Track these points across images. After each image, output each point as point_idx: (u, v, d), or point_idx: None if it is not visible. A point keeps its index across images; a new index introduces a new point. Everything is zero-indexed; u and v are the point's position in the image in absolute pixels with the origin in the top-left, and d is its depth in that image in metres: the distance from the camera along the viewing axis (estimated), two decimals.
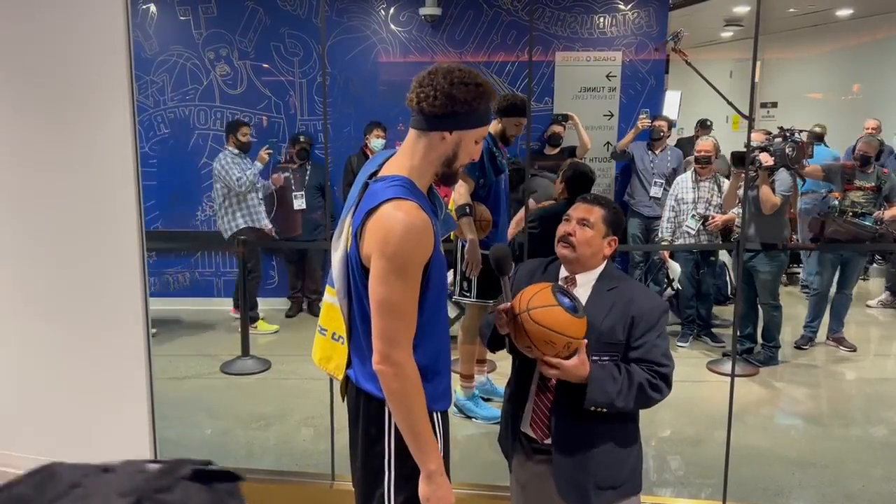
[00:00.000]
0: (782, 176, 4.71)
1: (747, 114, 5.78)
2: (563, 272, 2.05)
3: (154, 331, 5.71)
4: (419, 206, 1.61)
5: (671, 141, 6.27)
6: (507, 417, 2.13)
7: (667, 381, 1.93)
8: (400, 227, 1.58)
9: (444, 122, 1.65)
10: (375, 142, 5.56)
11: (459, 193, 3.79)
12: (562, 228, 2.04)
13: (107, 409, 3.30)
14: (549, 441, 2.00)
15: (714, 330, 5.43)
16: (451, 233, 3.66)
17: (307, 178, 5.84)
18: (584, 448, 1.96)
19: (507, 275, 1.93)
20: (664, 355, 1.94)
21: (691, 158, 5.51)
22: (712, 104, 6.93)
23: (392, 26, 5.96)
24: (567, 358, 1.84)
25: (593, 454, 1.96)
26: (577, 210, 2.04)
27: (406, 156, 1.72)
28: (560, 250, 2.02)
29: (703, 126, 6.90)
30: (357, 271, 1.70)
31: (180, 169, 6.04)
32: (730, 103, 4.62)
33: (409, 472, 1.74)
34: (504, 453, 2.19)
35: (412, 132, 1.71)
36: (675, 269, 5.36)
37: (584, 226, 2.00)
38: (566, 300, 1.85)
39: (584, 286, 2.01)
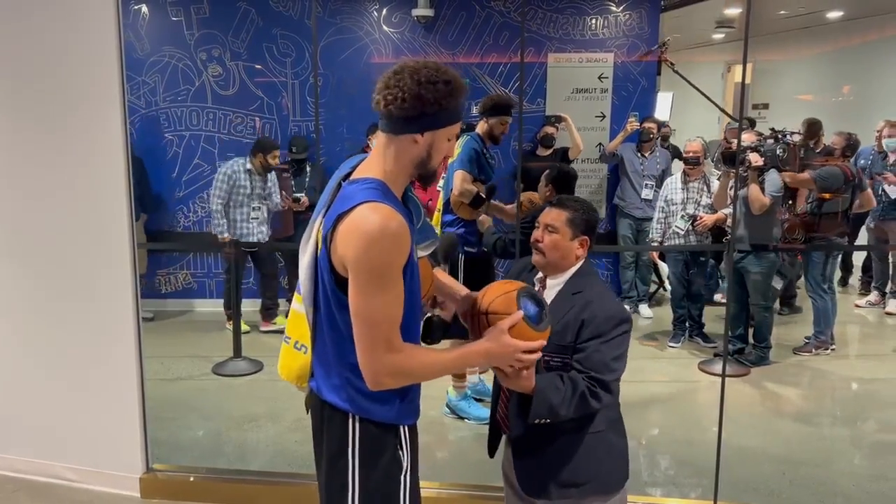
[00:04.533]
0: (772, 177, 4.73)
1: (738, 115, 5.83)
2: (539, 274, 2.10)
3: (151, 314, 5.75)
4: (394, 209, 1.55)
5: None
6: (491, 410, 2.20)
7: (606, 387, 1.91)
8: (377, 232, 1.51)
9: (414, 124, 1.59)
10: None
11: (461, 187, 3.90)
12: (533, 235, 2.08)
13: (98, 410, 3.29)
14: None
15: (705, 330, 5.45)
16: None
17: (307, 179, 5.83)
18: (540, 443, 1.98)
19: (443, 265, 1.93)
20: (605, 364, 1.91)
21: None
22: (705, 105, 6.97)
23: (384, 27, 5.96)
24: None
25: (550, 450, 1.98)
26: (545, 216, 2.07)
27: (378, 159, 1.65)
28: (533, 257, 2.08)
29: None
30: (327, 276, 1.63)
31: (171, 170, 6.03)
32: (718, 107, 4.65)
33: (373, 486, 1.70)
34: (489, 440, 2.23)
35: (381, 136, 1.65)
36: (664, 269, 5.39)
37: (550, 231, 2.03)
38: (531, 307, 1.77)
39: (552, 289, 2.04)
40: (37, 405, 3.38)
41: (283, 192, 5.77)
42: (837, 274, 6.13)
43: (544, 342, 1.75)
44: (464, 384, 4.08)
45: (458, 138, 4.61)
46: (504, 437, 2.16)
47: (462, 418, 4.03)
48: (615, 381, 1.94)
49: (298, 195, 5.70)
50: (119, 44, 3.02)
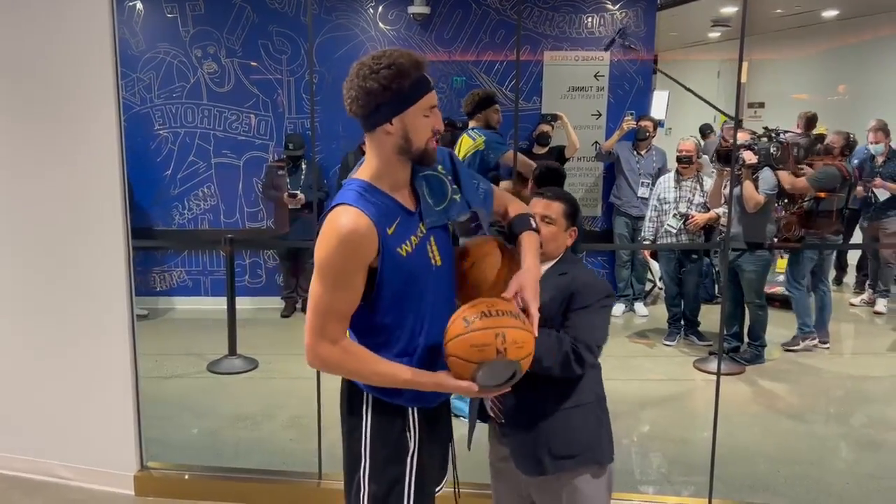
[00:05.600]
0: (766, 175, 4.74)
1: (733, 113, 5.85)
2: None
3: (146, 312, 5.74)
4: (363, 212, 1.61)
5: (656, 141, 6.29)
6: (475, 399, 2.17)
7: (590, 350, 1.97)
8: (334, 234, 1.60)
9: (377, 117, 1.63)
10: None
11: (525, 161, 4.04)
12: None
13: (93, 408, 3.28)
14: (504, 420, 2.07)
15: (701, 328, 5.46)
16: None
17: (302, 176, 5.83)
18: (533, 418, 2.02)
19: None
20: (590, 331, 1.98)
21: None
22: (701, 104, 6.97)
23: (380, 25, 5.95)
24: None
25: (543, 423, 2.01)
26: (538, 206, 2.11)
27: (367, 157, 1.73)
28: None
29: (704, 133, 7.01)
30: None
31: (166, 168, 6.01)
32: (707, 102, 4.64)
33: (381, 463, 1.77)
34: (469, 430, 2.21)
35: (366, 136, 1.71)
36: (655, 268, 5.40)
37: (547, 223, 2.08)
38: (492, 380, 1.64)
39: None
40: (31, 403, 3.36)
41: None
42: (832, 272, 6.15)
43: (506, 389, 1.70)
44: None
45: (451, 134, 4.60)
46: (489, 430, 2.16)
47: (457, 416, 4.02)
48: (598, 348, 2.01)
49: (294, 192, 5.70)
50: (113, 41, 3.01)
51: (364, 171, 1.72)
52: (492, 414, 2.12)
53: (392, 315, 1.71)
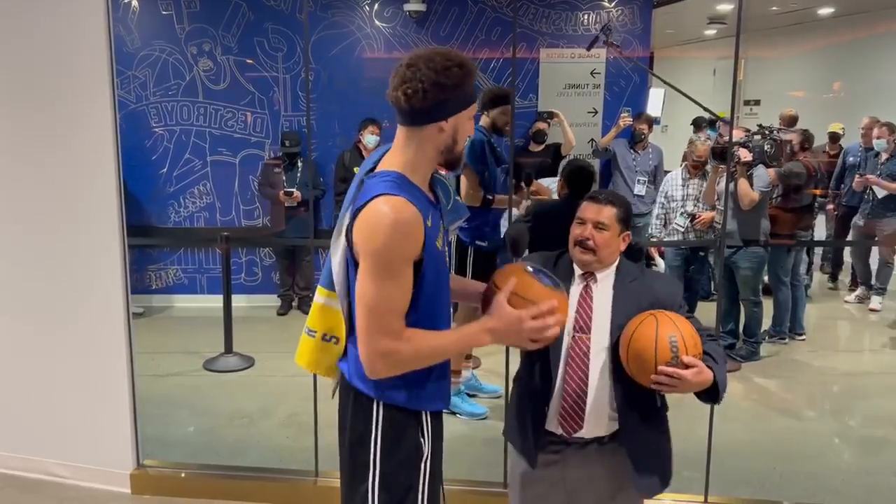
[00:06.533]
0: (760, 172, 4.75)
1: (721, 113, 5.86)
2: (579, 269, 2.06)
3: (142, 310, 5.74)
4: (408, 200, 1.57)
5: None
6: (527, 415, 2.08)
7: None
8: (386, 223, 1.54)
9: (438, 112, 1.61)
10: (369, 138, 5.57)
11: (469, 195, 3.87)
12: (577, 232, 2.03)
13: (89, 407, 3.28)
14: (578, 434, 2.01)
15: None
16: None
17: (298, 174, 5.83)
18: (651, 440, 2.08)
19: (521, 256, 1.90)
20: (706, 328, 2.05)
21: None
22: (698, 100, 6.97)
23: (376, 22, 5.94)
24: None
25: (661, 444, 2.11)
26: (589, 211, 2.03)
27: (399, 151, 1.67)
28: (580, 256, 2.03)
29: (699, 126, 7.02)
30: (351, 270, 1.67)
31: (161, 166, 5.99)
32: (695, 101, 4.63)
33: (393, 470, 1.74)
34: (521, 452, 2.12)
35: (402, 129, 1.66)
36: (660, 265, 5.39)
37: (600, 229, 2.02)
38: (545, 279, 1.77)
39: (603, 280, 2.04)
40: (27, 401, 3.36)
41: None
42: (804, 265, 6.15)
43: (555, 303, 1.70)
44: (458, 380, 4.08)
45: None
46: (526, 436, 2.09)
47: (455, 414, 4.03)
48: None
49: (290, 189, 5.69)
50: (108, 38, 3.00)
51: (395, 164, 1.66)
52: (560, 430, 2.03)
53: (424, 310, 1.67)
